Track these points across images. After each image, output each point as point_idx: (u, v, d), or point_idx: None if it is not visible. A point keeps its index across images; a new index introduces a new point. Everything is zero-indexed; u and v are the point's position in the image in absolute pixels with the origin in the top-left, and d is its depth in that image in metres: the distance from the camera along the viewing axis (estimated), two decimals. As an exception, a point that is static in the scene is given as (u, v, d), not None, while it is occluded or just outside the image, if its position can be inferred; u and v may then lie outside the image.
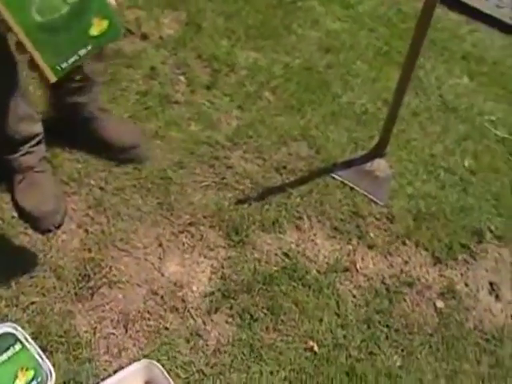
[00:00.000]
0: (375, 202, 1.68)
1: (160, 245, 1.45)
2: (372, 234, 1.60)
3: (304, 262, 1.48)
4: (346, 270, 1.49)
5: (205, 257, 1.45)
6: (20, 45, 0.94)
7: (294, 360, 1.27)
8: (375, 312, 1.41)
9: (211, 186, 1.62)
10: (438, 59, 2.27)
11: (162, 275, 1.39)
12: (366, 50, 2.31)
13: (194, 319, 1.30)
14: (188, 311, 1.31)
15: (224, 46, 2.14)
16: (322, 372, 1.26)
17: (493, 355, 1.39)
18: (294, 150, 1.80)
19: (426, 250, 1.60)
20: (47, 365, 1.12)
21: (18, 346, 1.13)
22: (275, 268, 1.44)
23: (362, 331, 1.36)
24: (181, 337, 1.26)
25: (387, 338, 1.36)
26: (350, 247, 1.56)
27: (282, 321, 1.33)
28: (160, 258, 1.42)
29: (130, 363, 1.17)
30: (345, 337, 1.34)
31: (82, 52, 0.98)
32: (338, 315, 1.38)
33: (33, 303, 1.25)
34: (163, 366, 1.15)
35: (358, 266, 1.51)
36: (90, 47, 0.99)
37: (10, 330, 1.15)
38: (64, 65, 0.97)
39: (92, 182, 1.54)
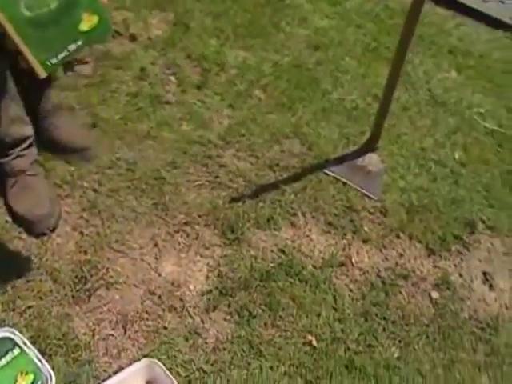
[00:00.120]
0: (368, 197, 1.69)
1: (156, 245, 1.45)
2: (366, 228, 1.61)
3: (300, 257, 1.49)
4: (342, 264, 1.50)
5: (201, 256, 1.45)
6: (10, 40, 0.94)
7: (294, 355, 1.28)
8: (372, 305, 1.42)
9: (205, 185, 1.63)
10: (425, 54, 2.29)
11: (159, 275, 1.39)
12: (355, 46, 2.32)
13: (192, 318, 1.31)
14: (186, 310, 1.32)
15: (213, 45, 2.14)
16: (321, 366, 1.27)
17: (488, 343, 1.41)
18: (287, 147, 1.81)
19: (420, 242, 1.61)
20: (47, 368, 1.12)
21: (16, 351, 1.13)
22: (271, 264, 1.44)
23: (360, 324, 1.37)
24: (180, 336, 1.26)
25: (384, 330, 1.38)
26: (345, 242, 1.57)
27: (280, 316, 1.34)
28: (156, 258, 1.42)
29: (129, 364, 1.17)
30: (343, 330, 1.35)
31: (72, 47, 0.98)
32: (336, 309, 1.39)
33: (30, 307, 1.25)
34: (163, 365, 1.15)
35: (353, 260, 1.52)
36: (79, 42, 0.99)
37: (7, 334, 1.14)
38: (54, 60, 0.97)
39: (85, 185, 1.54)
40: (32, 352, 1.13)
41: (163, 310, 1.31)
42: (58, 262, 1.35)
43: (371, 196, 1.70)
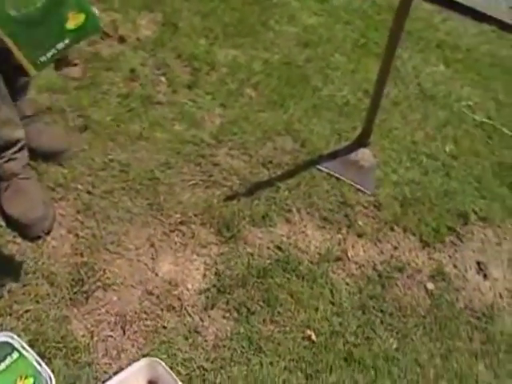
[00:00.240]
0: (362, 191, 1.71)
1: (152, 245, 1.44)
2: (361, 223, 1.62)
3: (296, 253, 1.50)
4: (338, 258, 1.51)
5: (197, 254, 1.45)
6: (0, 40, 0.95)
7: (293, 349, 1.29)
8: (369, 298, 1.43)
9: (199, 185, 1.63)
10: (414, 49, 2.31)
11: (156, 275, 1.39)
12: (344, 42, 2.34)
13: (191, 316, 1.31)
14: (185, 309, 1.32)
15: (202, 44, 2.14)
16: (320, 359, 1.28)
17: (484, 332, 1.43)
18: (279, 144, 1.81)
19: (414, 234, 1.63)
20: (46, 371, 1.11)
21: (15, 355, 1.12)
22: (268, 261, 1.45)
23: (358, 317, 1.39)
24: (179, 334, 1.26)
25: (382, 322, 1.39)
26: (340, 236, 1.58)
27: (279, 312, 1.35)
28: (153, 259, 1.42)
29: (129, 364, 1.17)
30: (341, 324, 1.36)
31: (60, 46, 1.00)
32: (333, 303, 1.40)
33: (27, 311, 1.24)
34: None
35: (349, 255, 1.53)
36: (67, 41, 1.01)
37: (6, 339, 1.14)
38: (43, 58, 0.99)
39: (79, 187, 1.53)
40: (31, 355, 1.13)
41: (161, 309, 1.31)
42: (54, 265, 1.34)
43: (365, 190, 1.71)
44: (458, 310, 1.46)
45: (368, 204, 1.68)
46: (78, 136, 1.68)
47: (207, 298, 1.35)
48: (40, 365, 1.12)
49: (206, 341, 1.27)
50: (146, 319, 1.29)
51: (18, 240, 1.37)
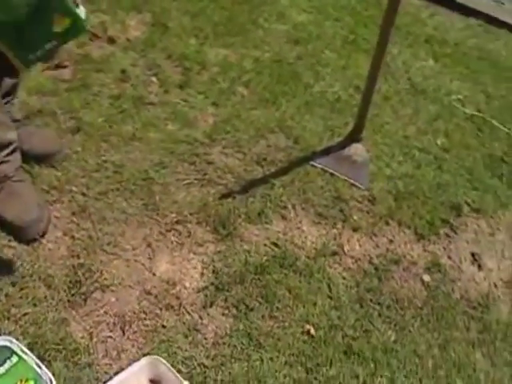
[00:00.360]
0: (356, 186, 1.72)
1: (149, 245, 1.44)
2: (356, 217, 1.64)
3: (292, 249, 1.50)
4: (334, 253, 1.52)
5: (194, 253, 1.45)
6: None
7: (293, 344, 1.29)
8: (366, 291, 1.44)
9: (194, 183, 1.63)
10: (403, 44, 2.33)
11: (154, 275, 1.38)
12: (333, 39, 2.35)
13: (190, 315, 1.31)
14: (183, 307, 1.32)
15: (193, 44, 2.14)
16: (320, 353, 1.29)
17: (480, 321, 1.44)
18: (273, 141, 1.82)
19: (409, 227, 1.64)
20: (47, 374, 1.11)
21: (14, 359, 1.12)
22: (265, 257, 1.46)
23: (355, 311, 1.40)
24: (179, 333, 1.26)
25: (380, 314, 1.40)
26: (336, 231, 1.59)
27: (277, 308, 1.36)
28: (150, 258, 1.42)
29: (130, 364, 1.17)
30: (339, 317, 1.37)
31: (48, 46, 1.07)
32: (331, 297, 1.41)
33: (25, 314, 1.24)
34: (164, 363, 1.16)
35: (345, 249, 1.54)
36: (54, 42, 1.07)
37: (4, 343, 1.13)
38: (31, 57, 1.06)
39: (73, 189, 1.53)
40: (31, 359, 1.12)
41: (160, 309, 1.31)
42: (51, 267, 1.34)
43: (359, 185, 1.72)
44: (454, 301, 1.48)
45: (362, 199, 1.69)
46: (70, 138, 1.67)
47: (206, 296, 1.35)
48: (40, 367, 1.11)
49: (205, 338, 1.27)
50: (145, 319, 1.29)
51: (14, 243, 1.37)
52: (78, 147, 1.65)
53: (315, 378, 1.24)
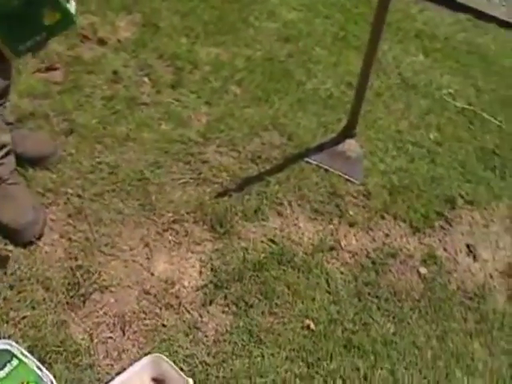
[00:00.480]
0: (351, 182, 1.73)
1: (146, 245, 1.44)
2: (351, 212, 1.64)
3: (290, 245, 1.51)
4: (331, 248, 1.53)
5: (192, 252, 1.45)
6: None
7: (293, 339, 1.30)
8: (364, 285, 1.45)
9: (190, 183, 1.63)
10: (393, 40, 2.35)
11: (152, 274, 1.38)
12: (324, 36, 2.36)
13: (189, 313, 1.31)
14: (183, 306, 1.32)
15: (184, 44, 2.14)
16: (321, 348, 1.30)
17: (477, 312, 1.46)
18: (267, 139, 1.82)
19: (404, 221, 1.66)
20: (48, 376, 1.11)
21: (15, 362, 1.11)
22: (263, 254, 1.46)
23: (354, 304, 1.40)
24: (179, 332, 1.27)
25: (378, 308, 1.41)
26: (332, 227, 1.60)
27: (277, 304, 1.36)
28: (148, 258, 1.42)
29: (131, 364, 1.17)
30: (338, 312, 1.38)
31: (38, 38, 1.11)
32: (329, 292, 1.42)
33: (24, 318, 1.23)
34: (166, 361, 1.16)
35: (342, 244, 1.55)
36: (44, 34, 1.11)
37: (4, 346, 1.13)
38: (22, 47, 1.11)
39: (69, 191, 1.52)
40: (31, 361, 1.12)
41: (160, 308, 1.31)
42: (49, 270, 1.33)
43: (353, 180, 1.73)
44: (451, 292, 1.49)
45: (357, 194, 1.70)
46: (64, 140, 1.67)
47: (205, 294, 1.35)
48: (41, 370, 1.11)
49: (206, 336, 1.27)
50: (145, 318, 1.28)
51: (10, 247, 1.36)
52: (72, 149, 1.65)
53: (316, 373, 1.25)
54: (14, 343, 1.14)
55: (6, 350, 1.12)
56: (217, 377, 1.20)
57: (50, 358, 1.16)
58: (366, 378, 1.26)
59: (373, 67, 1.65)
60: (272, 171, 1.71)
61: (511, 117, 2.12)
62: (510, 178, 1.87)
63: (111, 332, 1.25)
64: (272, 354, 1.26)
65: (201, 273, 1.40)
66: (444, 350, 1.36)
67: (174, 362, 1.18)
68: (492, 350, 1.38)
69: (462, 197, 1.77)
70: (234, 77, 2.04)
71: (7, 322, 1.22)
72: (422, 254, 1.58)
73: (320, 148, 1.81)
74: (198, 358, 1.22)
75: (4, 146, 1.38)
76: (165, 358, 1.13)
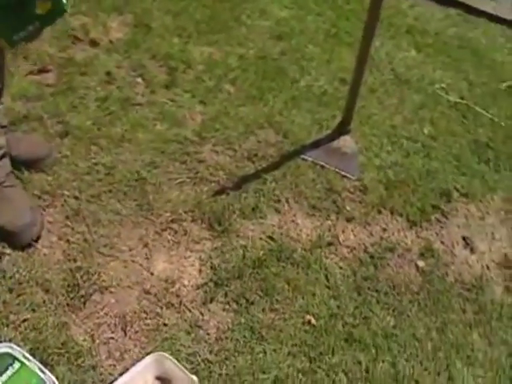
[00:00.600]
0: (347, 177, 1.74)
1: (145, 245, 1.44)
2: (348, 208, 1.65)
3: (288, 242, 1.52)
4: (330, 244, 1.54)
5: (191, 251, 1.46)
6: None
7: (295, 335, 1.31)
8: (363, 279, 1.46)
9: (186, 182, 1.63)
10: (385, 36, 2.36)
11: (152, 274, 1.38)
12: (316, 33, 2.36)
13: (190, 312, 1.31)
14: (184, 305, 1.32)
15: (176, 43, 2.14)
16: (322, 342, 1.30)
17: (475, 303, 1.47)
18: (262, 137, 1.83)
19: (401, 215, 1.67)
20: (51, 378, 1.10)
21: (17, 365, 1.11)
22: (262, 251, 1.46)
23: (354, 299, 1.41)
24: (181, 330, 1.27)
25: (378, 301, 1.42)
26: (330, 222, 1.60)
27: (277, 300, 1.37)
28: (147, 258, 1.42)
29: (134, 364, 1.17)
30: (338, 306, 1.39)
31: (30, 27, 1.14)
32: (329, 287, 1.43)
33: (24, 320, 1.23)
34: (168, 360, 1.16)
35: (340, 239, 1.56)
36: (37, 24, 1.15)
37: (6, 349, 1.12)
38: (16, 37, 1.14)
39: (66, 193, 1.52)
40: (33, 364, 1.12)
41: (161, 307, 1.31)
42: (48, 272, 1.33)
43: (350, 176, 1.74)
44: (449, 284, 1.51)
45: (354, 189, 1.71)
46: (59, 142, 1.66)
47: (205, 292, 1.36)
48: (43, 372, 1.11)
49: (208, 334, 1.27)
50: (146, 318, 1.28)
51: (8, 250, 1.35)
52: (68, 151, 1.64)
53: (318, 367, 1.26)
54: (15, 346, 1.13)
55: (8, 354, 1.12)
56: (220, 374, 1.21)
57: (52, 360, 1.16)
58: (367, 371, 1.27)
59: (367, 64, 1.65)
60: (268, 169, 1.72)
61: (503, 110, 2.14)
62: (504, 170, 1.89)
63: (112, 332, 1.25)
64: (274, 350, 1.27)
65: (200, 271, 1.41)
66: (444, 341, 1.37)
67: (177, 360, 1.18)
68: (491, 340, 1.40)
69: (458, 190, 1.78)
70: (227, 75, 2.04)
71: (7, 326, 1.21)
72: (420, 247, 1.59)
73: (315, 145, 1.82)
74: (200, 356, 1.22)
75: None
76: (168, 355, 1.13)
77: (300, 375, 1.24)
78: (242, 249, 1.46)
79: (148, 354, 1.19)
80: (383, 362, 1.30)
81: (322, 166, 1.75)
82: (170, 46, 2.11)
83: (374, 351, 1.31)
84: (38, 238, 1.38)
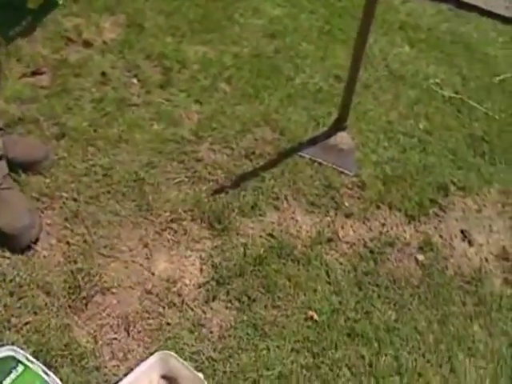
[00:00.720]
0: (345, 173, 1.74)
1: (145, 245, 1.44)
2: (347, 204, 1.66)
3: (288, 239, 1.52)
4: (329, 240, 1.54)
5: (192, 250, 1.46)
6: None
7: (297, 331, 1.31)
8: (363, 274, 1.47)
9: (185, 181, 1.63)
10: (378, 32, 2.36)
11: (153, 274, 1.38)
12: (310, 31, 2.37)
13: (193, 310, 1.31)
14: (186, 304, 1.32)
15: (170, 43, 2.13)
16: (325, 337, 1.31)
17: (475, 295, 1.49)
18: (259, 135, 1.83)
19: (399, 210, 1.68)
20: (55, 380, 1.10)
21: (20, 368, 1.10)
22: (263, 249, 1.47)
23: (355, 294, 1.42)
24: (184, 329, 1.27)
25: (379, 296, 1.43)
26: (329, 219, 1.61)
27: (279, 297, 1.37)
28: (148, 258, 1.42)
29: (138, 364, 1.17)
30: (340, 302, 1.39)
31: (24, 23, 1.20)
32: (330, 283, 1.43)
33: (26, 323, 1.22)
34: (172, 359, 1.16)
35: (339, 235, 1.57)
36: (29, 18, 1.20)
37: (8, 353, 1.12)
38: (11, 33, 1.19)
39: (64, 195, 1.51)
40: (37, 366, 1.11)
41: (163, 307, 1.31)
42: (48, 274, 1.32)
43: (347, 172, 1.75)
44: (449, 277, 1.52)
45: (352, 185, 1.72)
46: (55, 144, 1.65)
47: (207, 290, 1.36)
48: (47, 375, 1.10)
49: (211, 332, 1.28)
50: (149, 318, 1.28)
51: (8, 254, 1.35)
52: (65, 153, 1.63)
53: (322, 362, 1.27)
54: (18, 349, 1.13)
55: (11, 357, 1.12)
56: (224, 372, 1.21)
57: (55, 362, 1.16)
58: (371, 365, 1.28)
59: (362, 61, 1.66)
60: (266, 166, 1.72)
61: (497, 103, 2.16)
62: (499, 163, 1.90)
63: (115, 333, 1.25)
64: (277, 347, 1.27)
65: (201, 270, 1.41)
66: (445, 333, 1.38)
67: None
68: (491, 332, 1.41)
69: (454, 184, 1.80)
70: (222, 74, 2.04)
71: (9, 329, 1.21)
72: (419, 241, 1.60)
73: (312, 142, 1.82)
74: (204, 355, 1.22)
75: None
76: (173, 354, 1.13)
77: (304, 371, 1.24)
78: (243, 247, 1.46)
79: (152, 353, 1.19)
80: (386, 355, 1.31)
81: (320, 163, 1.76)
82: (163, 45, 2.11)
83: (376, 345, 1.32)
84: (37, 240, 1.37)
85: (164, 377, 1.14)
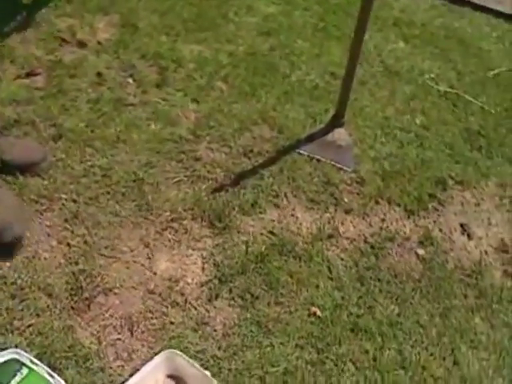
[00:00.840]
0: (343, 170, 1.75)
1: (146, 245, 1.44)
2: (346, 200, 1.66)
3: (289, 236, 1.52)
4: (330, 236, 1.55)
5: (193, 249, 1.45)
6: None
7: (301, 327, 1.31)
8: (365, 269, 1.48)
9: (184, 181, 1.63)
10: (373, 28, 2.36)
11: (155, 274, 1.38)
12: (304, 28, 2.37)
13: (196, 309, 1.31)
14: (189, 303, 1.32)
15: (165, 42, 2.13)
16: (328, 333, 1.31)
17: (476, 288, 1.50)
18: (257, 133, 1.83)
19: (399, 205, 1.68)
20: (60, 382, 1.10)
21: (24, 371, 1.10)
22: (264, 246, 1.47)
23: (357, 289, 1.43)
24: (187, 328, 1.27)
25: (381, 290, 1.43)
26: (329, 215, 1.61)
27: (282, 294, 1.37)
28: (149, 258, 1.41)
29: (142, 364, 1.17)
30: (342, 297, 1.40)
31: (19, 18, 1.21)
32: (332, 279, 1.44)
33: (29, 326, 1.21)
34: (177, 359, 1.16)
35: (340, 231, 1.57)
36: (23, 14, 1.22)
37: (12, 355, 1.11)
38: (6, 29, 1.20)
39: (63, 196, 1.50)
40: (41, 368, 1.11)
41: (166, 306, 1.31)
42: (50, 276, 1.32)
43: (345, 168, 1.75)
44: (450, 271, 1.53)
45: (351, 181, 1.72)
46: (52, 145, 1.64)
47: (210, 289, 1.36)
48: (52, 377, 1.10)
49: (215, 330, 1.27)
50: (152, 318, 1.28)
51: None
52: (62, 154, 1.63)
53: (326, 357, 1.27)
54: (22, 351, 1.12)
55: (15, 359, 1.11)
56: (229, 369, 1.21)
57: (60, 363, 1.15)
58: (375, 359, 1.29)
59: (359, 58, 1.66)
60: (265, 164, 1.72)
61: (492, 97, 2.17)
62: (496, 157, 1.91)
63: (119, 334, 1.24)
64: (282, 343, 1.27)
65: (203, 269, 1.41)
66: (447, 326, 1.39)
67: (186, 358, 1.18)
68: (493, 323, 1.42)
69: (452, 178, 1.80)
70: (218, 73, 2.03)
71: (12, 332, 1.20)
72: (419, 235, 1.61)
73: (310, 139, 1.83)
74: (208, 353, 1.22)
75: None
76: (179, 353, 1.13)
77: (309, 366, 1.25)
78: (244, 244, 1.46)
79: (156, 353, 1.19)
80: (389, 349, 1.31)
81: (318, 160, 1.76)
82: (158, 45, 2.10)
83: (379, 339, 1.32)
84: (21, 237, 1.35)
85: (170, 376, 1.13)
